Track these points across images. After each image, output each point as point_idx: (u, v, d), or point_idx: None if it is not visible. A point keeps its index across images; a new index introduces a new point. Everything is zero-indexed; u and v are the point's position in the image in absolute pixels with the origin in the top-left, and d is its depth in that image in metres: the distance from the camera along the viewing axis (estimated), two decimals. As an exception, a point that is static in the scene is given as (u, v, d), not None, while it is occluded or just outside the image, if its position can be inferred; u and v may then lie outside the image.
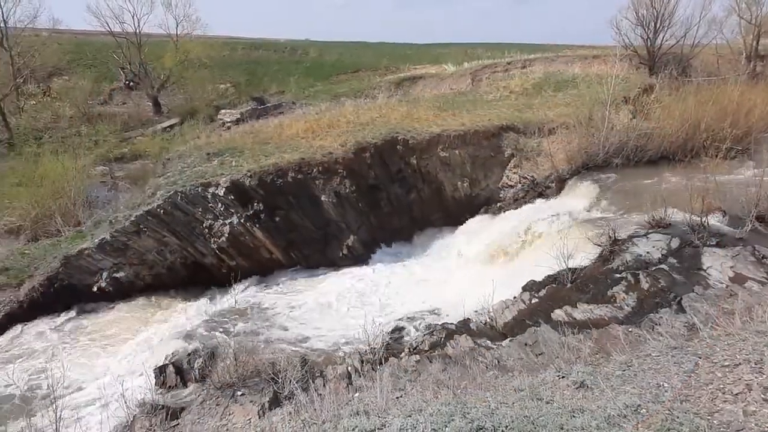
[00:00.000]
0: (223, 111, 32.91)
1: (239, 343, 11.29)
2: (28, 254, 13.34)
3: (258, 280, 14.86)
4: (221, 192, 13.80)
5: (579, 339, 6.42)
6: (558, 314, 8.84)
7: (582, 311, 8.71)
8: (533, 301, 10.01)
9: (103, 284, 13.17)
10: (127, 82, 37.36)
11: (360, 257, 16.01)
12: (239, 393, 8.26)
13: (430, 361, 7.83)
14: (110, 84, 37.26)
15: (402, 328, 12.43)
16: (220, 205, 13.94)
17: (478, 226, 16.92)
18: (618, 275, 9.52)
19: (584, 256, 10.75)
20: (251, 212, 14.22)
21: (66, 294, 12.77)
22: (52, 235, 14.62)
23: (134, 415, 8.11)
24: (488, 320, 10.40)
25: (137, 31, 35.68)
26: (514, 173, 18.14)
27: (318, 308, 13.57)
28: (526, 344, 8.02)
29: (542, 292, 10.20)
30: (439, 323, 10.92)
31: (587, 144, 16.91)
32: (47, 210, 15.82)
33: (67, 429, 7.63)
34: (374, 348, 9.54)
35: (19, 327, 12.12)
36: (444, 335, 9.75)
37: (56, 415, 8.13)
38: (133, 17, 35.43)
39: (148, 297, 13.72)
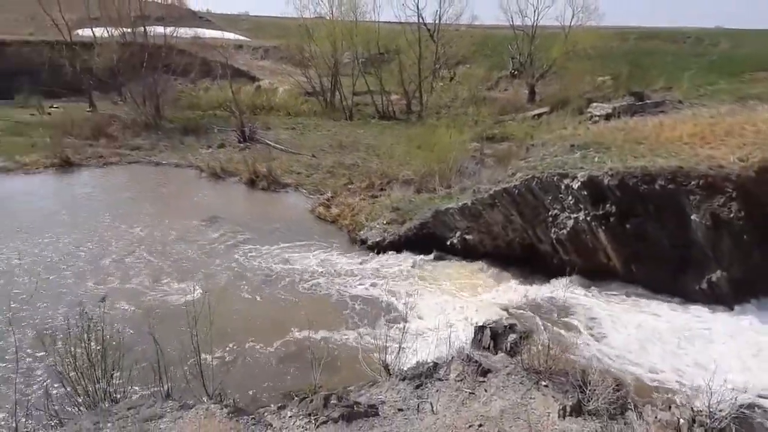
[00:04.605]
0: (594, 104, 31.79)
1: (553, 336, 11.34)
2: (412, 201, 17.31)
3: (586, 282, 14.19)
4: (575, 185, 13.65)
5: None
6: None
7: None
8: None
9: (455, 241, 15.66)
10: (512, 71, 41.11)
11: (723, 298, 12.84)
12: (543, 383, 8.35)
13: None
14: (499, 72, 41.91)
15: (763, 409, 9.50)
16: (570, 198, 13.87)
17: None
18: None
19: None
20: (601, 212, 13.50)
21: (429, 240, 15.96)
22: (430, 191, 18.33)
23: (453, 357, 9.48)
24: None
25: (534, 23, 38.33)
26: None
27: (647, 335, 11.94)
28: None
29: None
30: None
31: None
32: (431, 170, 19.80)
33: (406, 341, 9.68)
34: (715, 413, 7.70)
35: (395, 254, 16.02)
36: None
37: (403, 328, 10.39)
38: (534, 11, 38.25)
39: (484, 263, 15.35)
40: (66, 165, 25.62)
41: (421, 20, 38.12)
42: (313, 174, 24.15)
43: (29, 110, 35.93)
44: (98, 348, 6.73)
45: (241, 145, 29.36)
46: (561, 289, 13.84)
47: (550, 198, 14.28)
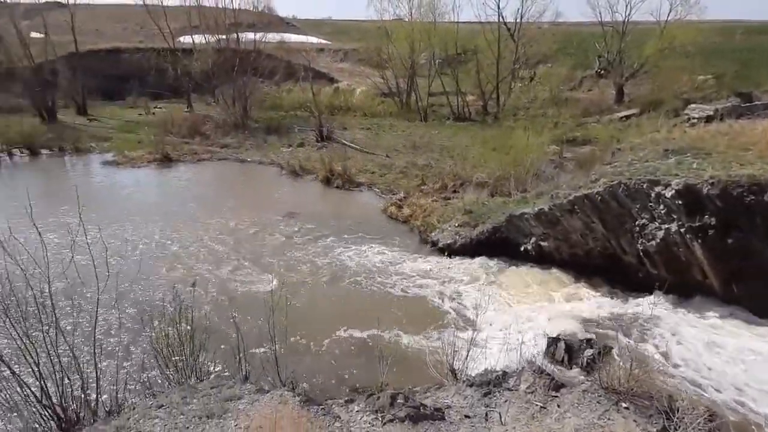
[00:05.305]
0: (692, 105, 29.04)
1: (636, 355, 10.54)
2: (486, 205, 16.92)
3: (675, 300, 13.04)
4: (669, 194, 12.55)
5: None
6: None
7: None
8: None
9: (529, 247, 15.07)
10: (598, 71, 38.71)
11: None
12: (623, 405, 7.81)
13: None
14: (583, 71, 39.65)
15: None
16: (661, 207, 12.78)
17: None
18: None
19: None
20: (697, 224, 12.30)
21: (501, 245, 15.53)
22: (504, 195, 17.80)
23: (523, 367, 9.14)
24: None
25: (625, 19, 35.80)
26: None
27: (747, 363, 10.70)
28: None
29: None
30: None
31: None
32: (506, 174, 19.24)
33: (474, 347, 9.48)
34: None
35: (466, 257, 15.76)
36: None
37: (472, 333, 10.19)
38: (626, 6, 35.73)
39: (559, 271, 14.63)
40: (166, 160, 28.34)
41: (501, 19, 37.18)
42: (387, 174, 24.46)
43: (138, 110, 40.28)
44: (188, 328, 7.33)
45: (319, 144, 30.49)
46: (646, 305, 12.81)
47: (637, 206, 13.27)
